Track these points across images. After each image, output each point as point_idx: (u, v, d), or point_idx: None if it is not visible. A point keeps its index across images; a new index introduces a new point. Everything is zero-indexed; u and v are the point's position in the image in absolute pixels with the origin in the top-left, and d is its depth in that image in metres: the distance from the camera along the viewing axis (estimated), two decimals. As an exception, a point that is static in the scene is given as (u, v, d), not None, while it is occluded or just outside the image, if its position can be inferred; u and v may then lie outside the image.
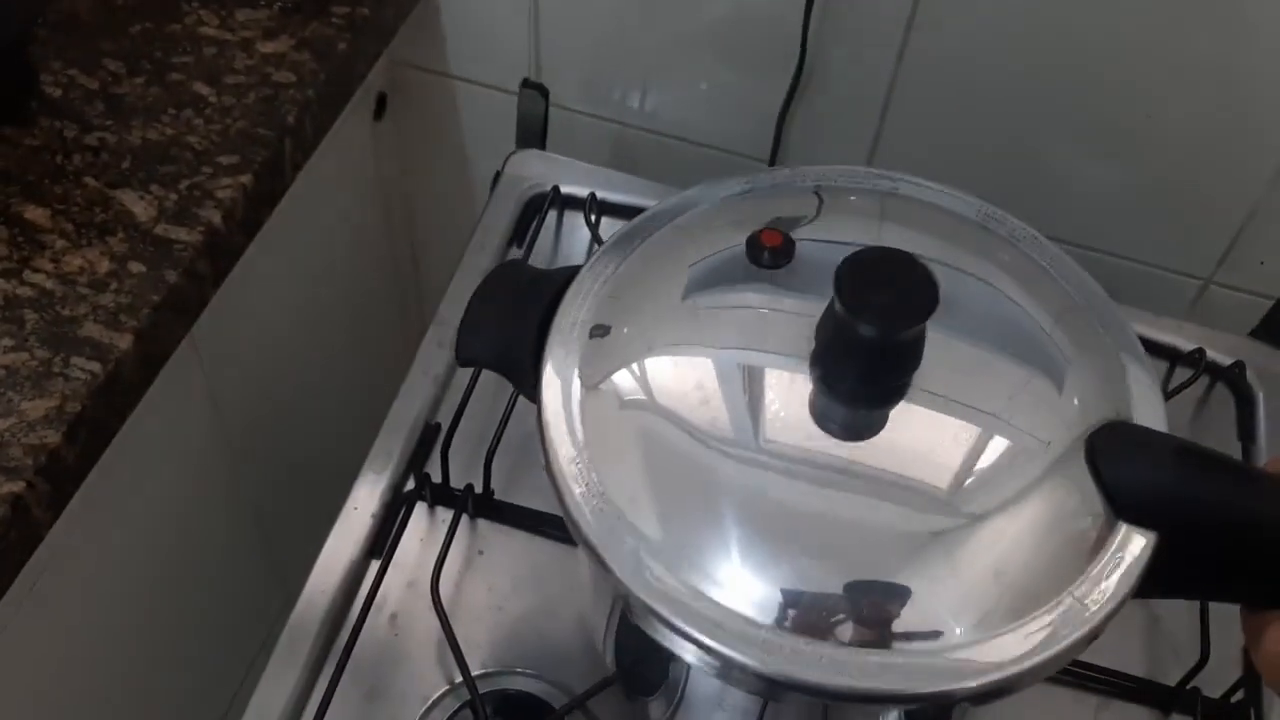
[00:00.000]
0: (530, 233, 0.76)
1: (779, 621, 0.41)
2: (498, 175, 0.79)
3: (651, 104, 0.83)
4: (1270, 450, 0.72)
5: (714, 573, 0.42)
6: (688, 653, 0.41)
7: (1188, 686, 0.61)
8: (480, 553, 0.64)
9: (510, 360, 0.48)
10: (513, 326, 0.48)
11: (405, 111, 0.90)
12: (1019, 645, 0.41)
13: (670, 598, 0.41)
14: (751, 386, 0.46)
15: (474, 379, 0.67)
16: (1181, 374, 0.74)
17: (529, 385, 0.47)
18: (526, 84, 0.83)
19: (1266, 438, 0.72)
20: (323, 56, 0.73)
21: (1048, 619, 0.41)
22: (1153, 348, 0.73)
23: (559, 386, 0.46)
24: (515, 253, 0.76)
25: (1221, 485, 0.43)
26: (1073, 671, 0.61)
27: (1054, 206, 0.79)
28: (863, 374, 0.44)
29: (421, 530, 0.64)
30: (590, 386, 0.46)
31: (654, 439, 0.45)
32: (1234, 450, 0.72)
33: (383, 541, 0.63)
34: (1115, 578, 0.42)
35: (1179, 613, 0.64)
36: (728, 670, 0.41)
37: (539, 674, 0.60)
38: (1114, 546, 0.42)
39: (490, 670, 0.60)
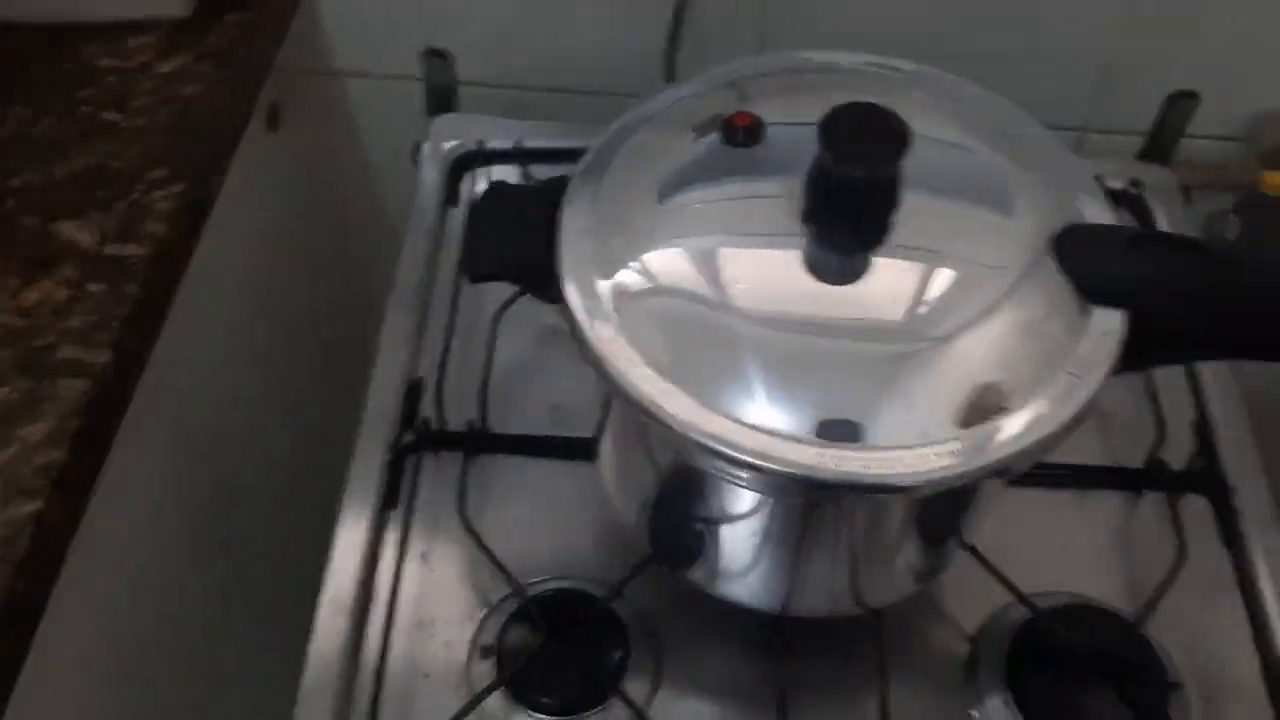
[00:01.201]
0: (465, 191, 0.78)
1: (817, 437, 0.45)
2: (418, 145, 0.81)
3: (544, 62, 0.85)
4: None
5: (750, 411, 0.45)
6: (743, 478, 0.45)
7: (1154, 461, 0.67)
8: (489, 484, 0.66)
9: (522, 269, 0.51)
10: (519, 238, 0.51)
11: (303, 117, 0.91)
12: (1031, 420, 0.46)
13: (724, 436, 0.45)
14: (750, 252, 0.50)
15: (449, 328, 0.70)
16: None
17: (543, 288, 0.50)
18: (430, 52, 0.85)
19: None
20: (224, 64, 0.75)
21: (1050, 395, 0.46)
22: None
23: (579, 282, 0.49)
24: (454, 213, 0.78)
25: (1179, 259, 0.49)
26: (1041, 474, 0.65)
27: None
28: (850, 215, 0.48)
29: (430, 475, 0.67)
30: (609, 278, 0.49)
31: (676, 313, 0.48)
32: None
33: (395, 493, 0.65)
34: (1099, 351, 0.47)
35: (1128, 401, 0.70)
36: (782, 486, 0.46)
37: (568, 578, 0.62)
38: (1092, 327, 0.47)
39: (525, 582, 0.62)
